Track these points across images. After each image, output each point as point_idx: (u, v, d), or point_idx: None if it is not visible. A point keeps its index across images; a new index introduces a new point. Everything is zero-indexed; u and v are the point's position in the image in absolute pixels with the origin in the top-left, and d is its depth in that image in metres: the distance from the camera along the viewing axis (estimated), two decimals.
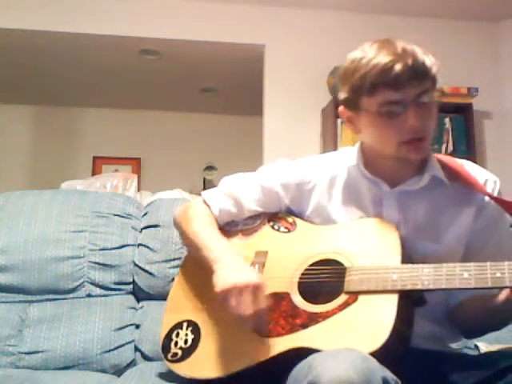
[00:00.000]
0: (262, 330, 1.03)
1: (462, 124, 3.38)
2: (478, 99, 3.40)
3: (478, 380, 0.96)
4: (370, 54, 1.03)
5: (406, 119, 1.03)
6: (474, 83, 3.41)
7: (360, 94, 1.05)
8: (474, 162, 1.19)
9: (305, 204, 1.20)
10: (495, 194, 1.12)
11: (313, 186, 1.20)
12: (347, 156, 1.20)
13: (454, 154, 3.18)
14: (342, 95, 1.10)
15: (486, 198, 1.12)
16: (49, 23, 3.42)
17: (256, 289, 1.01)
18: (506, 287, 0.92)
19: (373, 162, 1.15)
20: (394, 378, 0.83)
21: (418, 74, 1.02)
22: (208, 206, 1.26)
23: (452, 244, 1.10)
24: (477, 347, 1.44)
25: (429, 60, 1.05)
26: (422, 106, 1.04)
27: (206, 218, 1.23)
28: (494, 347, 1.39)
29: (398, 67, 1.00)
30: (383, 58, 1.01)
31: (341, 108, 1.12)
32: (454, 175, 1.14)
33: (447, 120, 3.35)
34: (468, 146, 3.37)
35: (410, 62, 1.01)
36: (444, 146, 3.32)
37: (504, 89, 3.71)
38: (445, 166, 1.15)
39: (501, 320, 1.07)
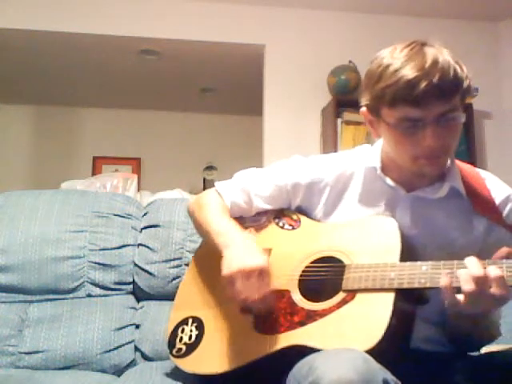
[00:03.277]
0: (267, 318, 1.04)
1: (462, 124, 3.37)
2: (478, 99, 3.39)
3: (479, 380, 0.96)
4: (397, 64, 0.97)
5: (423, 138, 0.98)
6: (474, 83, 3.39)
7: (381, 104, 1.00)
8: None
9: (315, 203, 1.19)
10: None
11: (324, 186, 1.18)
12: (365, 156, 1.17)
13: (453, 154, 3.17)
14: (364, 100, 1.05)
15: (499, 211, 1.08)
16: (49, 23, 3.42)
17: (262, 273, 1.02)
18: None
19: (391, 166, 1.12)
20: (395, 379, 0.82)
21: (444, 93, 0.95)
22: (221, 197, 1.26)
23: (461, 256, 1.06)
24: None
25: (460, 73, 0.98)
26: (445, 125, 0.98)
27: (218, 206, 1.23)
28: (494, 347, 1.38)
29: (421, 85, 0.93)
30: (408, 72, 0.95)
31: (363, 110, 1.08)
32: (473, 190, 1.10)
33: None
34: (468, 146, 3.35)
35: (436, 79, 0.94)
36: None
37: (504, 89, 3.70)
38: (465, 178, 1.11)
39: (483, 328, 1.03)
